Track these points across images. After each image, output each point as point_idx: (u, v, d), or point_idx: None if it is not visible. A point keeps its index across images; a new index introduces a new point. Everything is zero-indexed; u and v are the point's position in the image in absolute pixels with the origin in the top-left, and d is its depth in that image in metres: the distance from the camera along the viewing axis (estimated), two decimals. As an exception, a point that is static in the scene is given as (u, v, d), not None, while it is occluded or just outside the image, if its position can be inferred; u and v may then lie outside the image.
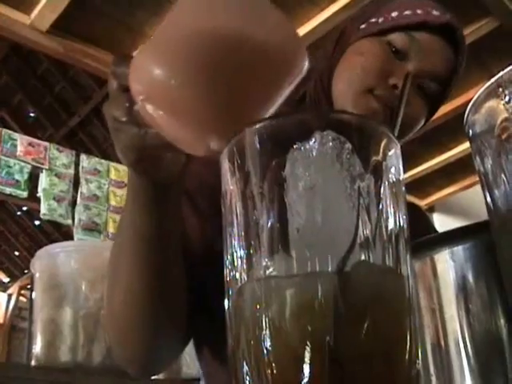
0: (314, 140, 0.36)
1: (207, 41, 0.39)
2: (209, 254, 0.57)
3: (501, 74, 0.35)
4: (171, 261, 0.66)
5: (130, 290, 0.65)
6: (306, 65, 0.44)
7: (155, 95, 0.40)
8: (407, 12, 0.86)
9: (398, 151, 0.39)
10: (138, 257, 0.63)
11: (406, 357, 0.34)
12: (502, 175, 0.35)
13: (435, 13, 0.86)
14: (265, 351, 0.33)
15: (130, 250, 0.63)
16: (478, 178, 0.40)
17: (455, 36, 0.87)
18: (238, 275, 0.37)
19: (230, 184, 0.38)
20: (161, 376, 1.99)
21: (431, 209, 4.82)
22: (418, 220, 1.08)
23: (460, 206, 4.57)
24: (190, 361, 1.92)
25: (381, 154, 0.38)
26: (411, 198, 4.24)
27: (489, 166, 0.37)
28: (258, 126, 0.37)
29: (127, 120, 0.48)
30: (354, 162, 0.37)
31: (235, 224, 0.38)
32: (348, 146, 0.37)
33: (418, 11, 0.86)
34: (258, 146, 0.37)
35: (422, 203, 4.70)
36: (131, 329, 0.67)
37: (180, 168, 0.55)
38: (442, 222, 4.47)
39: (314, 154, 0.36)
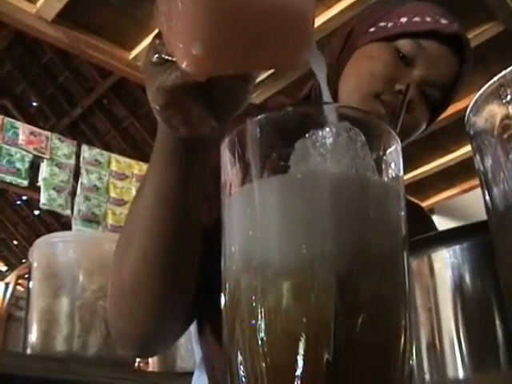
0: (328, 130, 0.36)
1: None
2: (214, 234, 0.57)
3: (503, 73, 0.36)
4: (189, 228, 0.64)
5: (142, 254, 0.63)
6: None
7: None
8: (416, 19, 0.87)
9: (399, 147, 0.40)
10: (155, 218, 0.62)
11: (401, 350, 0.34)
12: (502, 173, 0.35)
13: (444, 21, 0.87)
14: (259, 341, 0.34)
15: (148, 211, 0.62)
16: (477, 182, 0.40)
17: (462, 45, 0.87)
18: (234, 266, 0.37)
19: (230, 174, 0.38)
20: (155, 369, 2.00)
21: (431, 211, 4.81)
22: (421, 220, 1.09)
23: (459, 209, 4.56)
24: (184, 355, 1.92)
25: (381, 149, 0.38)
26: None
27: (488, 164, 0.37)
28: (260, 116, 0.37)
29: (156, 61, 0.49)
30: (366, 154, 0.37)
31: (234, 214, 0.38)
32: (361, 138, 0.37)
33: (427, 19, 0.87)
34: (258, 137, 0.37)
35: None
36: (138, 297, 0.64)
37: (208, 129, 0.53)
38: (441, 225, 4.45)
39: (328, 144, 0.36)
